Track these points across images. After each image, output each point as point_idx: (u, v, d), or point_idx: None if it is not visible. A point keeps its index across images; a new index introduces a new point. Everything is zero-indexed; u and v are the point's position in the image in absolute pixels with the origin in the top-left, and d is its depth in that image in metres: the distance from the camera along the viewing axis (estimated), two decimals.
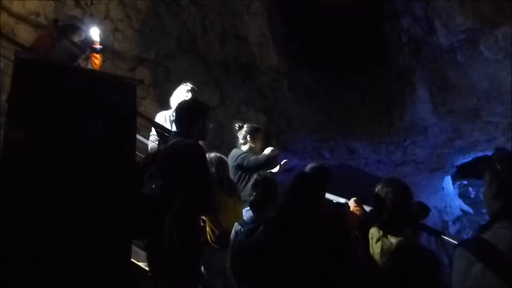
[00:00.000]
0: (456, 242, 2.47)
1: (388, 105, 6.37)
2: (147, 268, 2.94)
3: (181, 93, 3.89)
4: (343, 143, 6.80)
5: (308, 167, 3.19)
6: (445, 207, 7.28)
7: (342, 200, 3.38)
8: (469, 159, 7.16)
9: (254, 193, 2.85)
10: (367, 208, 2.93)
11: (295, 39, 6.17)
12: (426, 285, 1.59)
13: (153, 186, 2.56)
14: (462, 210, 7.72)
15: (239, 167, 3.70)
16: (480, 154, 6.89)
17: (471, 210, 7.79)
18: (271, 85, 6.20)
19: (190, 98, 3.76)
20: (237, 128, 4.05)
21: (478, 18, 5.26)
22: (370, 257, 2.15)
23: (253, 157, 3.70)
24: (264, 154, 3.75)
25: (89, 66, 4.47)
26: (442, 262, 1.71)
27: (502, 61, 5.57)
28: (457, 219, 7.37)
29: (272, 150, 3.80)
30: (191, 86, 3.95)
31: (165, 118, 3.86)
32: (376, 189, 2.40)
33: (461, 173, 7.96)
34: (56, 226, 2.01)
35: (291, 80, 6.24)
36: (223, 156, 3.44)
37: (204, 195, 2.62)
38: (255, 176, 2.97)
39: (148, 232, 2.56)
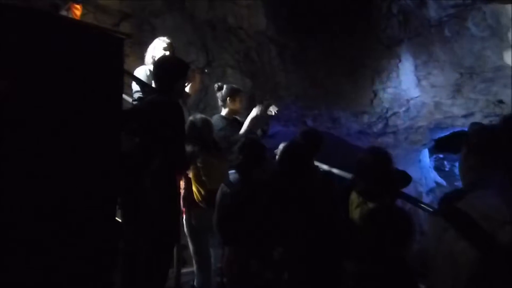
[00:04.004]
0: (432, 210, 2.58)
1: (373, 76, 6.40)
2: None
3: (159, 49, 3.66)
4: (326, 111, 6.85)
5: (300, 132, 3.22)
6: (420, 179, 7.52)
7: (326, 167, 3.45)
8: (447, 133, 7.35)
9: (240, 156, 2.87)
10: (348, 175, 3.02)
11: (285, 4, 6.03)
12: (400, 242, 1.68)
13: (130, 143, 2.53)
14: (436, 182, 7.98)
15: (222, 139, 3.59)
16: (457, 129, 7.07)
17: (444, 182, 8.07)
18: (258, 50, 6.10)
19: (171, 55, 3.57)
20: (216, 89, 3.93)
21: None
22: (351, 222, 2.23)
23: (232, 138, 3.57)
24: (240, 132, 3.63)
25: None
26: (414, 222, 1.80)
27: (487, 38, 5.61)
28: (431, 191, 7.64)
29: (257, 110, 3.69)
30: (169, 41, 3.74)
31: (145, 72, 3.59)
32: (359, 156, 2.47)
33: (437, 147, 8.19)
34: (39, 179, 1.97)
35: (278, 45, 6.15)
36: (208, 118, 3.42)
37: (178, 153, 2.63)
38: (242, 139, 2.99)
39: (124, 190, 2.53)
